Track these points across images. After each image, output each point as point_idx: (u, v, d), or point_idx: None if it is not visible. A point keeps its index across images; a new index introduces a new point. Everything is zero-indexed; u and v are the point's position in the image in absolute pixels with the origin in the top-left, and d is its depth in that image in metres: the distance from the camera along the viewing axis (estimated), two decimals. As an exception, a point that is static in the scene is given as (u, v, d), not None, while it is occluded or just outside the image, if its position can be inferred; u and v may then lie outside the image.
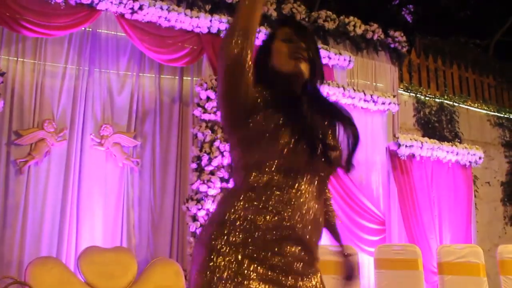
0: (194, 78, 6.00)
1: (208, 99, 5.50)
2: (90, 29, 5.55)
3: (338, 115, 1.83)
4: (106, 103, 5.59)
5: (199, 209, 5.28)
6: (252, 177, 1.63)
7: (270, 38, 1.89)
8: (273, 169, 1.62)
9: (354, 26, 7.22)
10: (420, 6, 9.12)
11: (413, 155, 6.33)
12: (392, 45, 7.59)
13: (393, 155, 6.31)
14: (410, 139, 6.33)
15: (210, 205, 5.29)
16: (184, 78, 6.05)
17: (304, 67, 1.81)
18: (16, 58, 5.20)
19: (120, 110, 5.67)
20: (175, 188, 5.70)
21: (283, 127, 1.61)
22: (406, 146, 6.20)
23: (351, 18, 7.25)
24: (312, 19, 6.98)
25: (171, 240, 5.58)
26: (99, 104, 5.55)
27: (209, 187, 5.31)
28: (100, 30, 5.63)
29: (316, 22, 6.96)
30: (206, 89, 5.50)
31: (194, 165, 5.40)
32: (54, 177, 5.20)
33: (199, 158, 5.41)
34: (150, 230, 5.54)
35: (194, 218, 5.30)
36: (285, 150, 1.60)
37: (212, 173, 5.37)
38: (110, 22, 5.64)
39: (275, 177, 1.61)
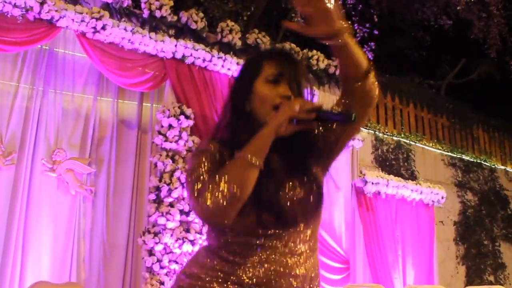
0: (154, 105, 5.76)
1: (170, 127, 5.24)
2: (47, 47, 5.23)
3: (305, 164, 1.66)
4: (60, 127, 5.24)
5: (156, 243, 4.97)
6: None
7: (254, 72, 1.65)
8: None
9: (317, 60, 7.17)
10: (378, 46, 9.24)
11: (379, 193, 6.25)
12: (353, 81, 7.56)
13: (358, 192, 6.21)
14: (376, 176, 6.26)
15: (169, 239, 4.99)
16: (144, 104, 5.78)
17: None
18: (-38, 73, 4.83)
19: (74, 135, 5.33)
20: (130, 219, 5.37)
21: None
22: (372, 183, 6.11)
23: (314, 52, 7.20)
24: (276, 51, 6.88)
25: (123, 275, 5.22)
26: (53, 127, 5.19)
27: (168, 219, 5.02)
28: (57, 49, 5.31)
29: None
30: (168, 117, 5.25)
31: (152, 196, 5.10)
32: (-1, 204, 4.79)
33: (158, 189, 5.12)
34: (102, 264, 5.17)
35: (151, 253, 4.98)
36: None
37: (171, 205, 5.09)
38: (68, 41, 5.35)
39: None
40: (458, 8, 7.81)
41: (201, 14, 6.11)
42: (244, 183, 1.45)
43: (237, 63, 5.92)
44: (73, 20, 4.89)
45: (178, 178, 5.12)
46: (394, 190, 6.29)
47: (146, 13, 5.67)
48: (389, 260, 6.19)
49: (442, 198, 6.89)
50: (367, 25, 8.80)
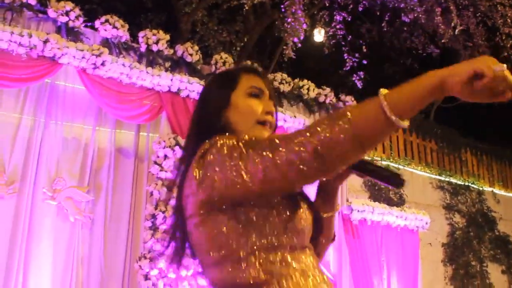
0: (151, 134, 6.01)
1: (166, 157, 5.51)
2: (49, 81, 5.50)
3: None
4: (60, 156, 5.49)
5: (152, 268, 5.21)
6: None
7: (231, 84, 1.59)
8: None
9: (308, 89, 7.45)
10: (368, 73, 9.55)
11: (365, 219, 6.51)
12: (342, 109, 7.84)
13: (345, 219, 6.46)
14: (362, 204, 6.51)
15: (163, 264, 5.23)
16: (141, 133, 6.03)
17: (267, 134, 1.57)
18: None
19: (74, 164, 5.57)
20: (127, 245, 5.60)
21: None
22: (358, 211, 6.37)
23: (305, 81, 7.48)
24: (268, 81, 7.16)
25: (121, 299, 5.45)
26: (53, 157, 5.44)
27: (163, 245, 5.27)
28: (58, 82, 5.58)
29: (271, 84, 7.13)
30: (164, 147, 5.52)
31: (148, 223, 5.36)
32: (1, 232, 5.02)
33: (153, 216, 5.37)
34: (99, 288, 5.40)
35: (147, 277, 5.22)
36: None
37: (166, 232, 5.33)
38: (69, 74, 5.61)
39: None
40: (443, 40, 8.12)
41: (196, 47, 6.40)
42: (373, 140, 1.24)
43: (230, 95, 6.19)
44: (74, 56, 5.17)
45: (173, 206, 5.37)
46: (379, 217, 6.55)
47: (143, 47, 5.96)
48: (374, 285, 6.43)
49: (426, 223, 7.15)
50: (357, 54, 9.12)
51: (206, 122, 1.55)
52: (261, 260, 1.36)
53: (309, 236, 1.51)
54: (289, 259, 1.38)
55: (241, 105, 1.54)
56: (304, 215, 1.48)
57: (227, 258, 1.38)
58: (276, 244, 1.38)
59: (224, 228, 1.39)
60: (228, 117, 1.53)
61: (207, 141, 1.42)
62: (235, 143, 1.35)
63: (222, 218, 1.39)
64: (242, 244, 1.37)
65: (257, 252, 1.36)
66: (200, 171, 1.39)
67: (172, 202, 5.54)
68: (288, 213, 1.42)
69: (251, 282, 1.35)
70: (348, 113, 1.23)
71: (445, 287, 9.16)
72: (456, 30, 7.76)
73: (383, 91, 1.25)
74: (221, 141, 1.38)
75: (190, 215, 1.48)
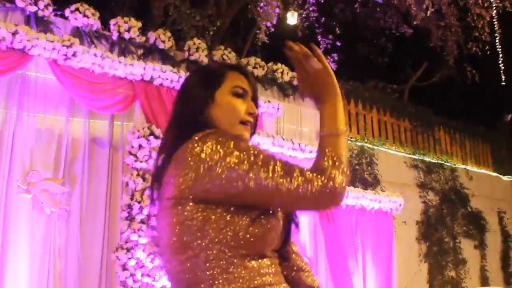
0: (125, 123, 5.98)
1: (140, 147, 5.50)
2: (20, 72, 5.42)
3: None
4: (34, 148, 5.43)
5: (129, 258, 5.23)
6: None
7: (216, 81, 1.62)
8: None
9: (282, 73, 7.47)
10: (341, 53, 9.59)
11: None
12: (317, 91, 7.88)
13: (320, 205, 6.52)
14: (336, 189, 6.57)
15: (141, 254, 5.26)
16: (115, 122, 5.99)
17: (247, 134, 1.64)
18: None
19: (48, 156, 5.52)
20: (104, 236, 5.60)
21: None
22: (332, 195, 6.44)
23: (279, 65, 7.49)
24: (242, 66, 7.15)
25: (98, 289, 5.47)
26: (27, 149, 5.39)
27: (139, 236, 5.29)
28: (29, 73, 5.50)
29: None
30: (139, 137, 5.50)
31: (124, 214, 5.36)
32: (-24, 227, 4.99)
33: (129, 207, 5.38)
34: (77, 279, 5.39)
35: (124, 267, 5.24)
36: None
37: (143, 222, 5.35)
38: (40, 64, 5.53)
39: None
40: (415, 22, 8.18)
41: (169, 34, 6.35)
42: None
43: (204, 82, 6.18)
44: (44, 48, 5.08)
45: (149, 196, 5.38)
46: (354, 201, 6.65)
47: (115, 36, 5.90)
48: (350, 267, 6.56)
49: (400, 205, 7.27)
50: (330, 36, 9.15)
51: (189, 117, 1.57)
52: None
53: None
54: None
55: (225, 104, 1.58)
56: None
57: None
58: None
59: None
60: (211, 114, 1.57)
61: (204, 132, 1.46)
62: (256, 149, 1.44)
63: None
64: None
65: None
66: (210, 163, 1.41)
67: (147, 192, 5.49)
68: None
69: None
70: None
71: (419, 264, 9.39)
72: (428, 12, 7.81)
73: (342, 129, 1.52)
74: (235, 141, 1.45)
75: (169, 197, 1.53)
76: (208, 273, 1.42)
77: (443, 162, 10.49)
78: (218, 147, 1.41)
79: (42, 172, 5.42)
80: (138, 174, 5.45)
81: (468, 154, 11.54)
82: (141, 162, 5.47)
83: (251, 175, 1.37)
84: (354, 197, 6.65)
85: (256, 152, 1.41)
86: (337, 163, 1.42)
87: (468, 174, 11.05)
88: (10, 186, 5.21)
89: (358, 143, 8.89)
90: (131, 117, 5.95)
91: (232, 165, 1.39)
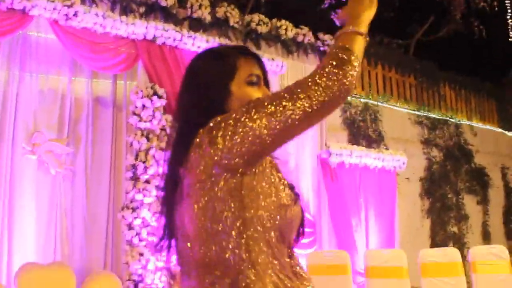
0: (128, 82, 5.94)
1: (144, 107, 5.49)
2: (21, 32, 5.36)
3: None
4: (37, 110, 5.43)
5: (135, 218, 5.30)
6: None
7: (230, 73, 1.56)
8: None
9: (286, 29, 7.37)
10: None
11: (343, 163, 6.61)
12: (321, 48, 7.81)
13: (324, 163, 6.56)
14: (340, 147, 6.59)
15: (146, 213, 5.33)
16: (118, 81, 5.96)
17: None
18: None
19: (51, 116, 5.52)
20: (109, 196, 5.66)
21: None
22: (336, 154, 6.46)
23: (283, 21, 7.39)
24: (245, 23, 7.06)
25: (105, 249, 5.55)
26: (30, 111, 5.39)
27: (144, 195, 5.35)
28: (30, 33, 5.44)
29: (249, 26, 7.05)
30: (142, 97, 5.49)
31: (129, 174, 5.40)
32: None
33: (134, 167, 5.41)
34: (84, 239, 5.48)
35: (130, 227, 5.32)
36: None
37: (147, 181, 5.40)
38: (40, 24, 5.47)
39: None
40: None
41: (171, -9, 6.24)
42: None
43: (207, 41, 6.12)
44: (45, 8, 5.03)
45: (153, 156, 5.42)
46: (357, 160, 6.66)
47: (116, -7, 5.82)
48: (353, 226, 6.63)
49: (404, 163, 7.29)
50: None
51: (208, 109, 1.52)
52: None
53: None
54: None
55: (242, 96, 1.54)
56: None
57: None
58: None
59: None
60: (229, 107, 1.52)
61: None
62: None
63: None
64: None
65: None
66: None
67: (152, 151, 5.43)
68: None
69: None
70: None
71: (422, 220, 9.45)
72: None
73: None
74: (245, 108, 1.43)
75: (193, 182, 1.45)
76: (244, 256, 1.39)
77: (447, 118, 10.43)
78: (238, 116, 1.39)
79: (46, 133, 5.44)
80: (142, 134, 5.46)
81: (473, 110, 11.47)
82: (145, 122, 5.48)
83: (276, 118, 1.36)
84: (358, 155, 6.66)
85: (265, 102, 1.39)
86: (352, 57, 1.40)
87: (473, 130, 11.01)
88: (15, 147, 5.24)
89: (362, 100, 8.83)
90: (134, 76, 5.92)
91: (258, 122, 1.37)
